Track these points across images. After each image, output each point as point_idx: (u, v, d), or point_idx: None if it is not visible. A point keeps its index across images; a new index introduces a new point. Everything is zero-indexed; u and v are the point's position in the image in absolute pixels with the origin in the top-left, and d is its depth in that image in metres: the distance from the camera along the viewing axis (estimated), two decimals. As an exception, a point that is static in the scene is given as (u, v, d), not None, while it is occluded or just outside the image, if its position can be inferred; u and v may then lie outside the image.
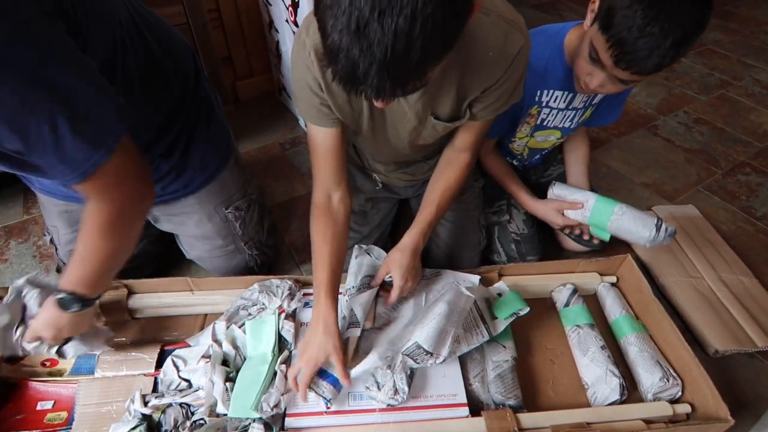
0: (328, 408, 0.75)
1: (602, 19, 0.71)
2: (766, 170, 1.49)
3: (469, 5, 0.47)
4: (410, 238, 0.82)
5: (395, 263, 0.81)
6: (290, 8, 1.22)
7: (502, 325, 0.84)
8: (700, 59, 2.19)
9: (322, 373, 0.75)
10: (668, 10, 0.65)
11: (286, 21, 1.30)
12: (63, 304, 0.70)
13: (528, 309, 0.85)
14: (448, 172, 0.84)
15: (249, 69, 1.70)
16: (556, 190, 1.03)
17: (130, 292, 0.94)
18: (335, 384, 0.75)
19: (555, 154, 1.22)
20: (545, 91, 0.93)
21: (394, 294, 0.82)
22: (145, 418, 0.76)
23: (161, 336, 0.94)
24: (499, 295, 0.91)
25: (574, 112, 0.97)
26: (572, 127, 1.02)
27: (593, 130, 1.63)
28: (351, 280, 0.87)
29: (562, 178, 1.16)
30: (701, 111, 1.79)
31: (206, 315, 0.97)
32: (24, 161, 0.56)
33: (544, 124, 1.00)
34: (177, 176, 0.84)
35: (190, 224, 0.93)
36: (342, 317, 0.81)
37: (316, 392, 0.74)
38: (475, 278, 0.92)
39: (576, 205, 0.99)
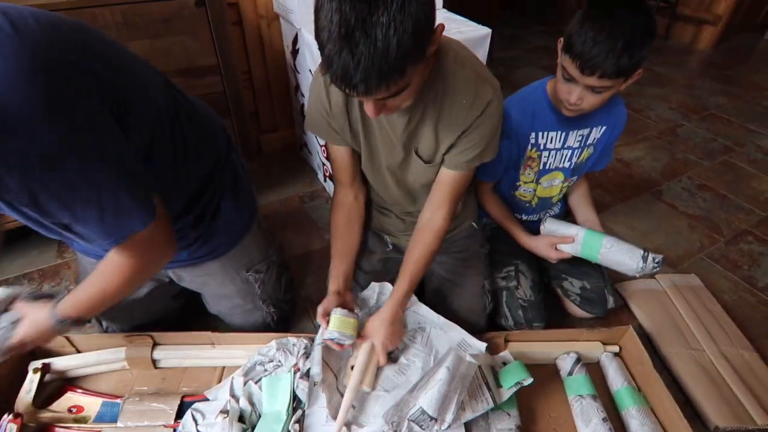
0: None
1: (565, 45, 0.86)
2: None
3: (433, 23, 0.62)
4: (388, 309, 0.91)
5: (375, 333, 0.90)
6: (317, 79, 1.33)
7: (506, 394, 0.88)
8: (704, 124, 2.27)
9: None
10: (612, 21, 0.80)
11: (312, 89, 1.41)
12: (62, 328, 0.78)
13: (531, 380, 0.89)
14: (421, 237, 0.94)
15: (273, 124, 1.82)
16: (548, 226, 1.11)
17: (156, 344, 1.00)
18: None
19: (563, 216, 1.29)
20: (540, 134, 1.04)
21: (382, 359, 0.89)
22: None
23: (181, 387, 0.99)
24: (504, 363, 0.95)
25: (571, 151, 1.07)
26: (571, 167, 1.10)
27: (599, 194, 1.69)
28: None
29: None
30: (704, 177, 1.85)
31: (224, 368, 1.01)
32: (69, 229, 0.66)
33: (547, 167, 1.09)
34: (204, 243, 0.91)
35: (213, 284, 1.00)
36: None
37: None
38: (482, 345, 0.96)
39: (567, 239, 1.07)
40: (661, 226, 1.57)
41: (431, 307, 1.09)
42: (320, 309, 0.90)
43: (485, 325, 1.09)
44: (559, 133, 1.04)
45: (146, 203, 0.67)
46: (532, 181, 1.13)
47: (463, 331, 0.97)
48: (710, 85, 2.72)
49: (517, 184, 1.14)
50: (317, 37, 0.58)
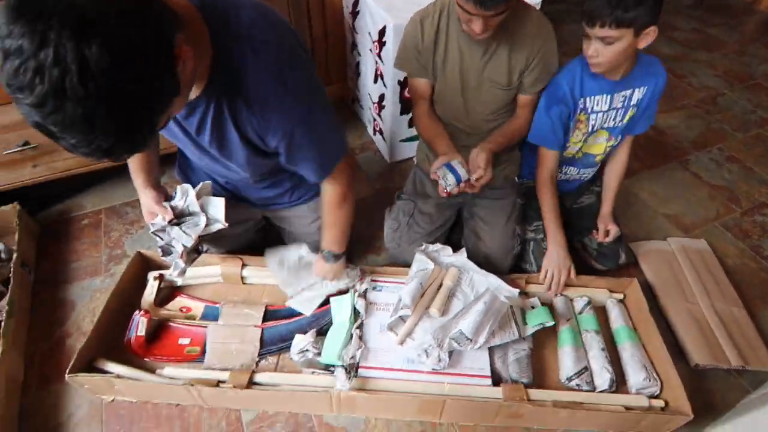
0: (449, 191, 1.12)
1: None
2: (783, 213, 1.64)
3: None
4: (486, 143, 1.16)
5: (482, 154, 1.13)
6: (376, 43, 1.46)
7: (529, 330, 1.10)
8: (746, 94, 2.27)
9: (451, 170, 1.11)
10: None
11: (370, 50, 1.54)
12: (325, 258, 1.12)
13: (553, 323, 1.10)
14: (513, 118, 1.25)
15: (327, 76, 1.96)
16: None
17: (244, 264, 1.25)
18: (457, 180, 1.10)
19: (588, 184, 1.44)
20: (588, 98, 1.17)
21: (480, 176, 1.11)
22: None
23: (263, 299, 1.25)
24: (533, 307, 1.16)
25: (616, 111, 1.20)
26: (616, 125, 1.23)
27: (629, 161, 1.80)
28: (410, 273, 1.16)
29: (593, 208, 1.38)
30: (735, 149, 1.92)
31: (296, 287, 1.26)
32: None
33: (594, 128, 1.23)
34: (295, 190, 1.18)
35: (298, 224, 1.24)
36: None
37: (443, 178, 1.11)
38: (515, 291, 1.16)
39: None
40: (683, 194, 1.69)
41: (467, 244, 1.29)
42: (436, 163, 1.14)
43: (511, 264, 1.29)
44: (605, 96, 1.16)
45: (342, 139, 0.95)
46: (580, 141, 1.27)
47: (500, 279, 1.17)
48: (763, 52, 2.64)
49: (567, 145, 1.28)
50: None
